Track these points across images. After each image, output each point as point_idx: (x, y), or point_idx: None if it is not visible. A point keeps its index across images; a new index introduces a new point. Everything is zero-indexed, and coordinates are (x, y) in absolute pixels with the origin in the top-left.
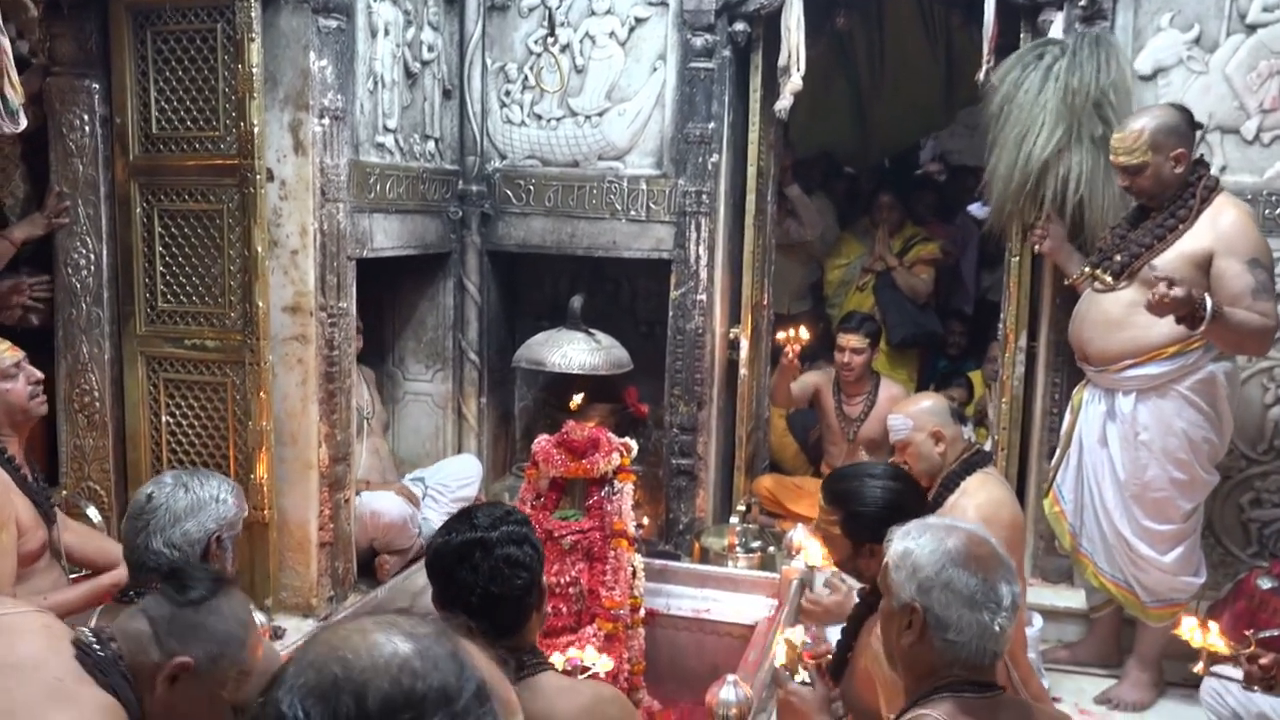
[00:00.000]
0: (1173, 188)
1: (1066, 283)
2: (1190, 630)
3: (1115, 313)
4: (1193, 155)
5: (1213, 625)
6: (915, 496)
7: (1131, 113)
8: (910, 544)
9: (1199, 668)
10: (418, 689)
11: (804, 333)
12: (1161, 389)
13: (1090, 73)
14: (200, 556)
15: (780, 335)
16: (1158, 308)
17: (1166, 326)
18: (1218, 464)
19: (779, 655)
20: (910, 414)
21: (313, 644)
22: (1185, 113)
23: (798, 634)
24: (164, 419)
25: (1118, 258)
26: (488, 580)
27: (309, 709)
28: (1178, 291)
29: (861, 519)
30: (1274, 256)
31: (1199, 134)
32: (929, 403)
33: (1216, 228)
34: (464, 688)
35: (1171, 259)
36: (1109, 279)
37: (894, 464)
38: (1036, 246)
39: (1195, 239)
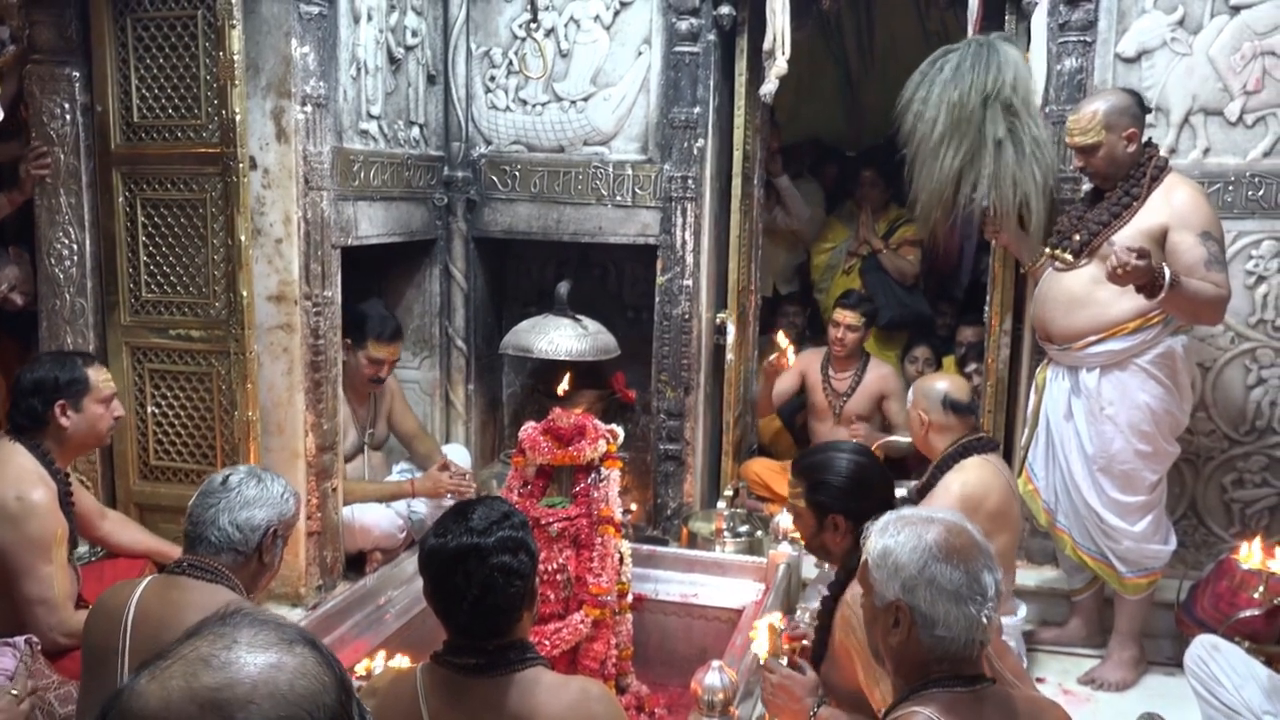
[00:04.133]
0: (1125, 167)
1: (1023, 271)
2: (1249, 555)
3: (1077, 290)
4: (1143, 136)
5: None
6: (878, 472)
7: (1034, 105)
8: (889, 541)
9: (1259, 594)
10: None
11: (791, 355)
12: (1123, 364)
13: (972, 81)
14: (255, 545)
15: (781, 342)
16: (1121, 277)
17: (1127, 302)
18: (1190, 440)
19: (763, 643)
20: (916, 387)
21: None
22: (1136, 95)
23: (776, 618)
24: (150, 410)
25: (1076, 237)
26: (481, 590)
27: None
28: (1139, 262)
29: (825, 489)
30: (1257, 237)
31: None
32: (939, 385)
33: (1170, 203)
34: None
35: (1130, 235)
36: (1069, 257)
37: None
38: (993, 241)
39: (1150, 215)
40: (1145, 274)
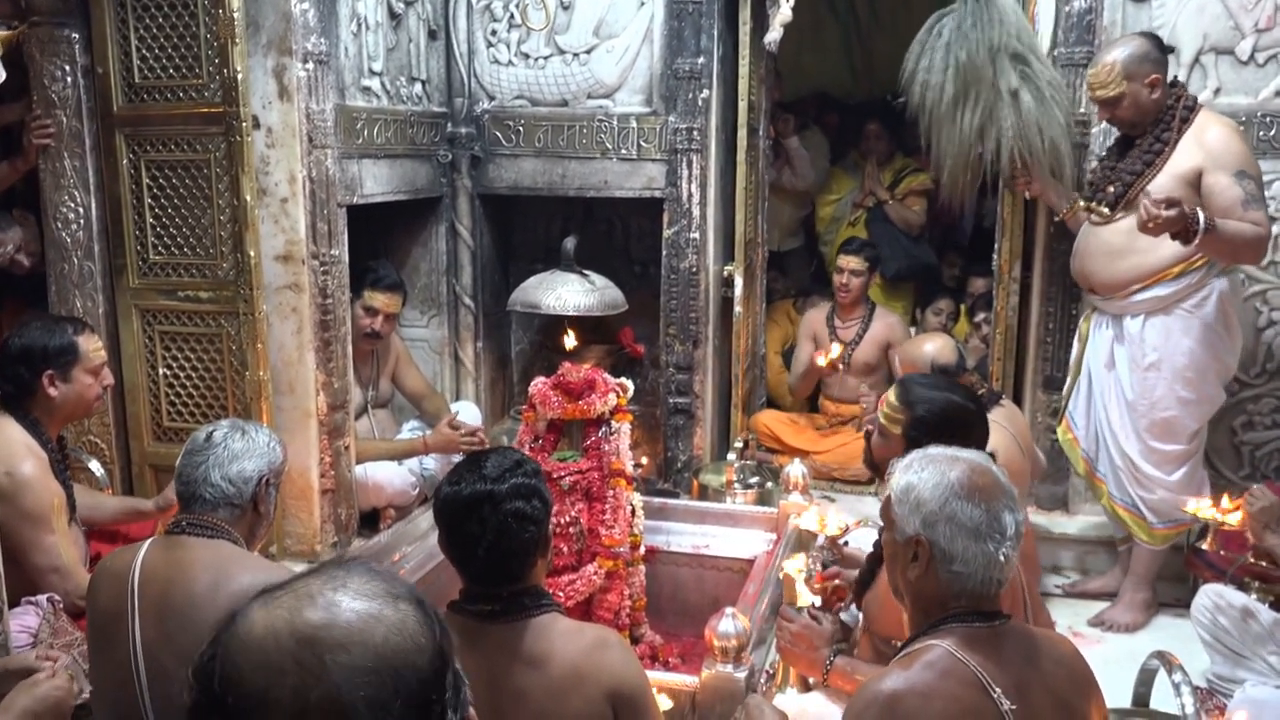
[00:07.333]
0: (1153, 113)
1: (1057, 218)
2: (1199, 507)
3: (1116, 242)
4: (1166, 79)
5: (1223, 500)
6: (980, 423)
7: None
8: (912, 477)
9: (1208, 542)
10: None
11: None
12: (1167, 309)
13: (976, 39)
14: (250, 496)
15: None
16: (1152, 229)
17: (1169, 249)
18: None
19: (804, 589)
20: (902, 359)
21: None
22: (1154, 39)
23: (797, 563)
24: (161, 372)
25: (1111, 189)
26: (495, 535)
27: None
28: (1169, 212)
29: (924, 425)
30: (1268, 178)
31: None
32: (926, 352)
33: (1202, 144)
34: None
35: (1163, 182)
36: (1105, 211)
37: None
38: (1026, 194)
39: (1183, 158)
40: (1177, 222)
